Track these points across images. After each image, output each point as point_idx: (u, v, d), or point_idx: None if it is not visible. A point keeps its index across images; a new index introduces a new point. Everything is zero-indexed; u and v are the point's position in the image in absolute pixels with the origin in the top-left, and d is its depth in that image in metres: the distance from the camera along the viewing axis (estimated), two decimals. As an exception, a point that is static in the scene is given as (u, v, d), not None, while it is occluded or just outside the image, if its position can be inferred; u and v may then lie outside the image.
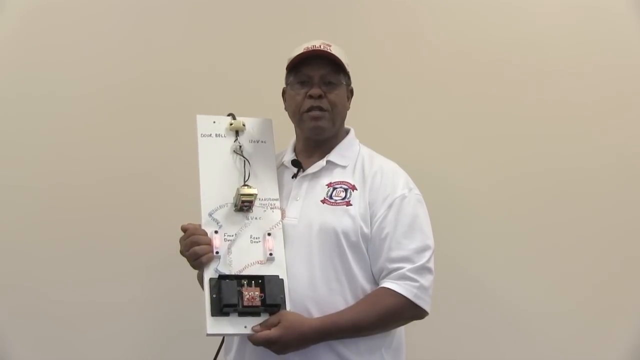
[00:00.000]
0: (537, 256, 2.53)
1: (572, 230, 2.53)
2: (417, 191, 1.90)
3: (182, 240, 1.83)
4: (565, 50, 2.58)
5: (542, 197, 2.54)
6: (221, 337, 1.89)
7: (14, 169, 2.42)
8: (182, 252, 1.83)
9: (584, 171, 2.54)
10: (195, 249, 1.78)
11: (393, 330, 1.86)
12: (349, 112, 1.99)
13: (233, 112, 1.96)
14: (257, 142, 1.96)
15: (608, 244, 2.52)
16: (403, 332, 1.91)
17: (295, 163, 1.95)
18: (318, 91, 1.88)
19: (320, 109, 1.88)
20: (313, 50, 1.88)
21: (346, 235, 1.82)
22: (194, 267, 1.82)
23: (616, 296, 2.49)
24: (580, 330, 2.49)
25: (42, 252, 2.41)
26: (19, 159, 2.43)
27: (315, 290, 1.79)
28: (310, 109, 1.89)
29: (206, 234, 1.81)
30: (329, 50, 1.88)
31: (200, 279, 1.83)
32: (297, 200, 1.90)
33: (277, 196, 1.91)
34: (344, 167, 1.92)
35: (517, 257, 2.53)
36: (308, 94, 1.89)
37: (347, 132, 2.00)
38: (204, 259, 1.77)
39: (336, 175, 1.91)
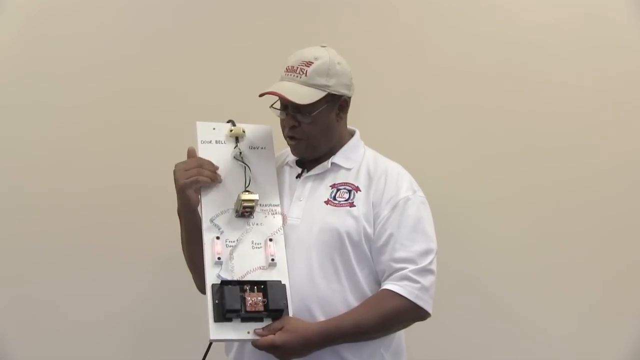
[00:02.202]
0: (538, 258, 2.52)
1: (574, 233, 2.53)
2: (421, 193, 1.90)
3: (180, 163, 1.83)
4: (568, 60, 2.58)
5: (545, 202, 2.54)
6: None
7: (15, 173, 2.43)
8: (176, 171, 1.82)
9: (588, 177, 2.55)
10: (201, 170, 1.80)
11: (392, 333, 1.86)
12: (353, 113, 1.97)
13: (232, 119, 1.96)
14: (257, 148, 1.96)
15: (610, 246, 2.52)
16: (403, 334, 1.91)
17: (299, 163, 1.95)
18: (290, 122, 1.87)
19: (295, 138, 1.89)
20: (274, 93, 1.83)
21: (349, 235, 1.82)
22: (184, 187, 1.80)
23: (617, 299, 2.49)
24: (581, 332, 2.49)
25: (41, 257, 2.41)
26: (21, 164, 2.43)
27: (317, 291, 1.79)
28: (288, 136, 1.90)
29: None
30: (301, 76, 1.84)
31: (182, 211, 1.83)
32: (300, 200, 1.90)
33: (278, 202, 1.90)
34: (348, 169, 1.92)
35: (518, 259, 2.53)
36: (283, 121, 1.90)
37: (352, 134, 2.00)
38: (201, 178, 1.80)
39: (340, 177, 1.91)
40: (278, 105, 1.90)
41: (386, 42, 2.60)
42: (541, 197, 2.55)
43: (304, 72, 1.85)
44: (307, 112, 1.85)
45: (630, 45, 2.55)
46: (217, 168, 1.86)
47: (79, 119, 2.47)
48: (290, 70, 1.86)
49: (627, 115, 2.56)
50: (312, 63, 1.85)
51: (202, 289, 1.89)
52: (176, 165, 1.83)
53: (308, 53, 1.88)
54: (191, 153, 1.86)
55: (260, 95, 1.85)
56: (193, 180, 1.80)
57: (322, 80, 1.85)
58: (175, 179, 1.82)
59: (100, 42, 2.50)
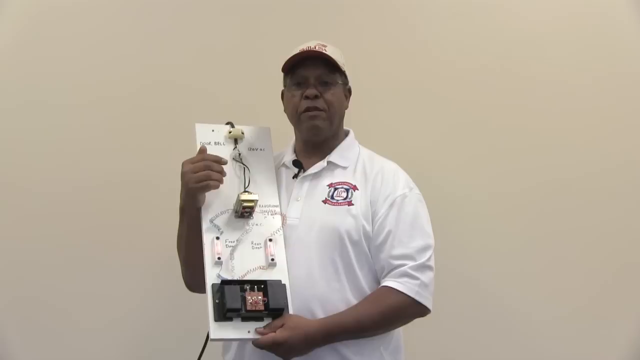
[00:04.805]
0: (536, 256, 2.53)
1: (573, 231, 2.53)
2: (417, 190, 1.92)
3: (188, 162, 1.80)
4: (567, 59, 2.59)
5: (544, 200, 2.55)
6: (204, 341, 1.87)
7: (16, 173, 2.43)
8: (185, 173, 1.79)
9: (587, 175, 2.55)
10: (210, 173, 1.78)
11: (392, 330, 1.87)
12: (348, 114, 2.00)
13: (231, 121, 1.97)
14: (256, 149, 1.97)
15: (609, 245, 2.53)
16: (402, 333, 1.92)
17: (296, 163, 1.96)
18: (314, 91, 1.89)
19: (317, 108, 1.90)
20: (307, 51, 1.90)
21: (349, 234, 1.83)
22: (194, 191, 1.79)
23: (616, 298, 2.50)
24: (580, 331, 2.49)
25: (41, 258, 2.42)
26: (21, 164, 2.44)
27: (317, 290, 1.80)
28: (307, 110, 1.90)
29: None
30: (323, 51, 1.90)
31: (188, 210, 1.82)
32: (298, 200, 1.91)
33: (277, 203, 1.91)
34: (344, 167, 1.94)
35: (516, 257, 2.53)
36: (304, 94, 1.90)
37: (347, 133, 2.02)
38: (212, 183, 1.78)
39: (337, 176, 1.92)
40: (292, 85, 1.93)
41: (385, 40, 2.61)
42: (540, 195, 2.55)
43: (324, 48, 1.90)
44: (331, 81, 1.90)
45: (630, 45, 2.56)
46: (225, 162, 1.83)
47: (80, 120, 2.48)
48: (309, 48, 1.90)
49: (626, 115, 2.57)
50: (326, 45, 1.92)
51: (192, 286, 1.92)
52: (184, 165, 1.81)
53: (313, 41, 1.93)
54: (202, 150, 1.84)
55: (294, 59, 1.89)
56: (204, 185, 1.79)
57: (339, 58, 1.92)
58: (184, 181, 1.80)
59: (100, 42, 2.51)
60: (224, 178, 1.85)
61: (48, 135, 2.46)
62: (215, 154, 1.89)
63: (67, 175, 2.46)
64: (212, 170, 1.79)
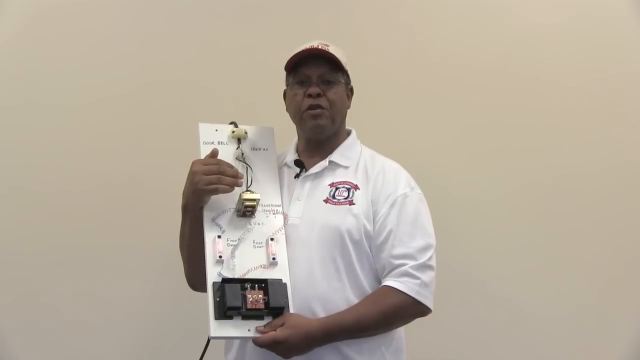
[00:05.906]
0: (538, 256, 2.52)
1: (573, 231, 2.54)
2: (418, 190, 1.92)
3: (199, 163, 1.81)
4: (567, 59, 2.60)
5: (545, 200, 2.55)
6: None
7: (16, 173, 2.44)
8: (196, 173, 1.79)
9: (588, 175, 2.56)
10: (223, 177, 1.78)
11: (393, 330, 1.87)
12: (350, 114, 2.01)
13: (235, 121, 1.98)
14: (259, 149, 1.97)
15: (610, 245, 2.53)
16: (403, 332, 1.91)
17: (298, 163, 1.97)
18: (316, 90, 1.90)
19: (319, 107, 1.90)
20: (310, 50, 1.91)
21: (350, 233, 1.83)
22: (202, 193, 1.79)
23: (617, 297, 2.49)
24: (581, 331, 2.49)
25: (42, 259, 2.42)
26: (22, 164, 2.45)
27: (318, 289, 1.80)
28: (309, 108, 1.90)
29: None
30: (326, 50, 1.91)
31: (191, 209, 1.82)
32: (299, 200, 1.91)
33: (280, 202, 1.92)
34: (346, 167, 1.94)
35: (519, 258, 2.53)
36: (307, 93, 1.90)
37: (349, 133, 2.03)
38: (221, 187, 1.78)
39: (339, 176, 1.93)
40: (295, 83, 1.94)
41: (386, 39, 2.62)
42: (542, 194, 2.55)
43: (327, 47, 1.91)
44: (334, 80, 1.91)
45: (630, 45, 2.56)
46: (238, 172, 1.84)
47: (80, 119, 2.48)
48: (312, 47, 1.91)
49: (626, 115, 2.57)
50: (329, 45, 1.93)
51: (195, 285, 1.92)
52: (195, 164, 1.82)
53: (315, 41, 1.94)
54: (214, 153, 1.85)
55: (296, 58, 1.90)
56: (213, 189, 1.79)
57: (342, 57, 1.93)
58: (194, 181, 1.79)
59: (100, 41, 2.52)
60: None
61: (49, 135, 2.46)
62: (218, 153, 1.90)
63: (68, 175, 2.46)
64: (224, 175, 1.80)
